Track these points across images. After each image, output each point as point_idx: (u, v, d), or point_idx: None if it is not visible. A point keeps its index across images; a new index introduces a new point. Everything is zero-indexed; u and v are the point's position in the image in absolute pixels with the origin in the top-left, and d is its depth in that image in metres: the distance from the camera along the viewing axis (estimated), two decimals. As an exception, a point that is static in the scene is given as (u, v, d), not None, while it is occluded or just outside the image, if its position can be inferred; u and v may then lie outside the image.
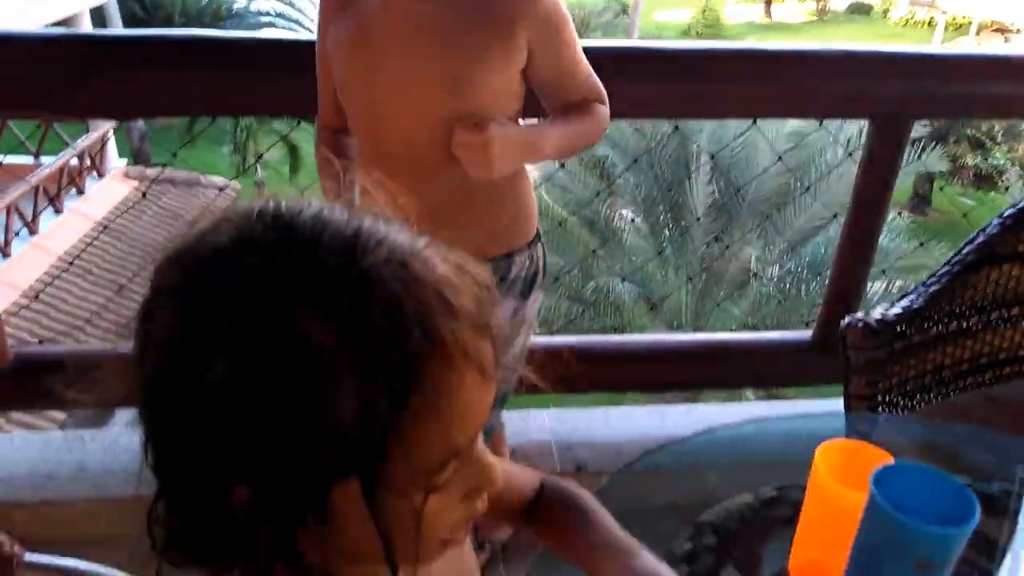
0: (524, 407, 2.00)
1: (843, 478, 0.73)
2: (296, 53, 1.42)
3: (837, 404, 1.43)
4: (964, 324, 1.51)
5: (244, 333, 0.42)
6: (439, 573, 0.61)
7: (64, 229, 6.73)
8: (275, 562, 0.47)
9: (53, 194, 6.73)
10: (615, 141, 7.47)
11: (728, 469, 0.96)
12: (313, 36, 1.32)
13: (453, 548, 0.55)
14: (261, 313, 0.42)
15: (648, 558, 0.64)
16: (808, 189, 5.87)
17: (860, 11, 24.67)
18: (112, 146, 8.08)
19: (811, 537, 0.79)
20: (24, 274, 6.08)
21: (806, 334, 1.98)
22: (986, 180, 11.51)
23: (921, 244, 6.90)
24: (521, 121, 1.28)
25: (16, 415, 4.02)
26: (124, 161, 8.34)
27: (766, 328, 6.03)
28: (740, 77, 1.66)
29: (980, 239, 1.49)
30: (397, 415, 0.43)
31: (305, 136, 8.68)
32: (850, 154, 5.04)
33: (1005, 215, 1.50)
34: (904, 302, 1.45)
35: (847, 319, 1.41)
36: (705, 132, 6.90)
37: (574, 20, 1.23)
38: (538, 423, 1.94)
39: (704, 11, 22.28)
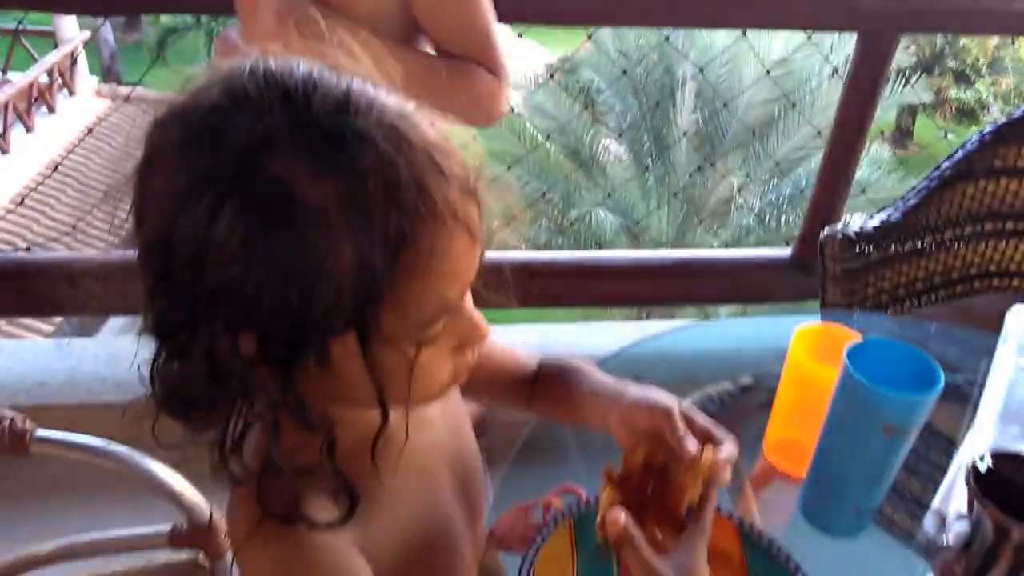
0: (510, 322, 2.04)
1: (817, 359, 0.78)
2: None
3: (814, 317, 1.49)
4: (939, 238, 1.55)
5: (245, 186, 0.44)
6: (431, 420, 0.65)
7: (36, 147, 6.56)
8: (279, 406, 0.50)
9: (23, 111, 6.54)
10: (599, 67, 7.36)
11: (706, 361, 1.01)
12: None
13: (443, 398, 0.59)
14: (259, 168, 0.44)
15: (636, 389, 0.66)
16: (794, 106, 5.88)
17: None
18: (83, 63, 7.81)
19: (786, 416, 0.84)
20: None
21: (786, 252, 2.03)
22: (968, 115, 11.52)
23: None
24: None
25: (5, 327, 4.02)
26: (95, 79, 8.08)
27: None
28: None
29: (959, 155, 1.52)
30: (390, 269, 0.46)
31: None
32: (835, 70, 5.00)
33: (985, 132, 1.54)
34: (882, 215, 1.50)
35: (826, 230, 1.45)
36: (690, 59, 6.80)
37: None
38: (522, 337, 1.98)
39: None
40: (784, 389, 0.83)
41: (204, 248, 0.44)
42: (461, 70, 1.09)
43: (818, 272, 1.49)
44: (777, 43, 6.64)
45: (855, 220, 1.48)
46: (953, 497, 0.78)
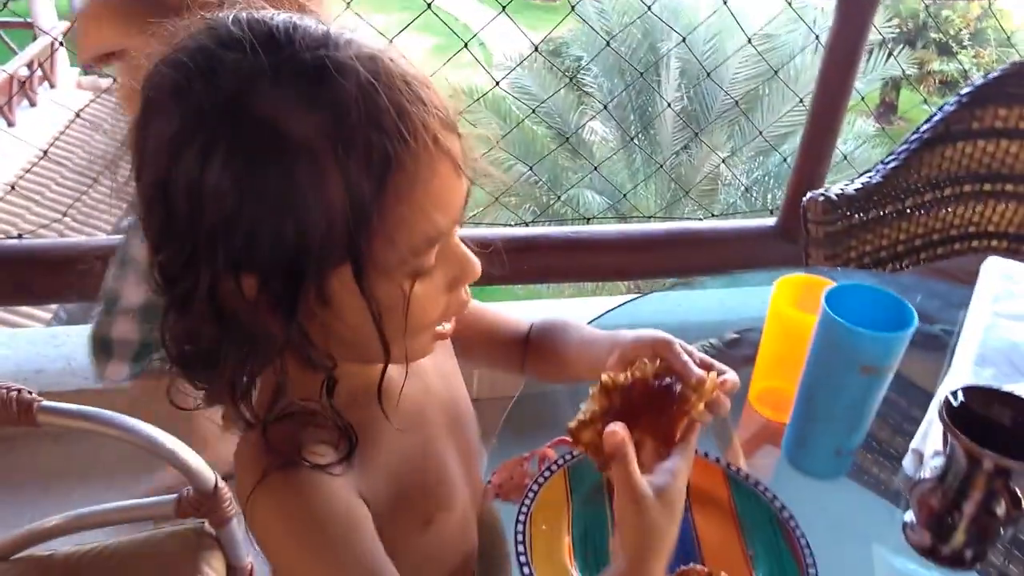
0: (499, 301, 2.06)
1: (799, 308, 0.81)
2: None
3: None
4: (919, 200, 1.59)
5: (235, 126, 0.47)
6: (425, 370, 0.67)
7: (18, 142, 6.50)
8: (285, 347, 0.52)
9: (3, 105, 6.47)
10: (587, 46, 7.35)
11: (692, 317, 1.04)
12: None
13: (440, 340, 0.61)
14: (247, 107, 0.47)
15: (631, 331, 0.68)
16: (776, 73, 5.92)
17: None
18: (63, 55, 7.72)
19: (769, 365, 0.87)
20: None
21: (771, 221, 2.06)
22: (952, 87, 11.56)
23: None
24: None
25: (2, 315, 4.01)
26: (76, 71, 8.00)
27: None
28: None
29: (938, 116, 1.55)
30: (378, 195, 0.48)
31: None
32: (817, 38, 5.02)
33: (963, 93, 1.57)
34: (863, 178, 1.53)
35: (809, 194, 1.48)
36: (675, 36, 6.80)
37: None
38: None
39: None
40: (767, 338, 0.85)
41: (199, 188, 0.47)
42: None
43: (802, 237, 1.52)
44: (760, 20, 6.65)
45: (837, 184, 1.51)
46: (930, 437, 0.82)
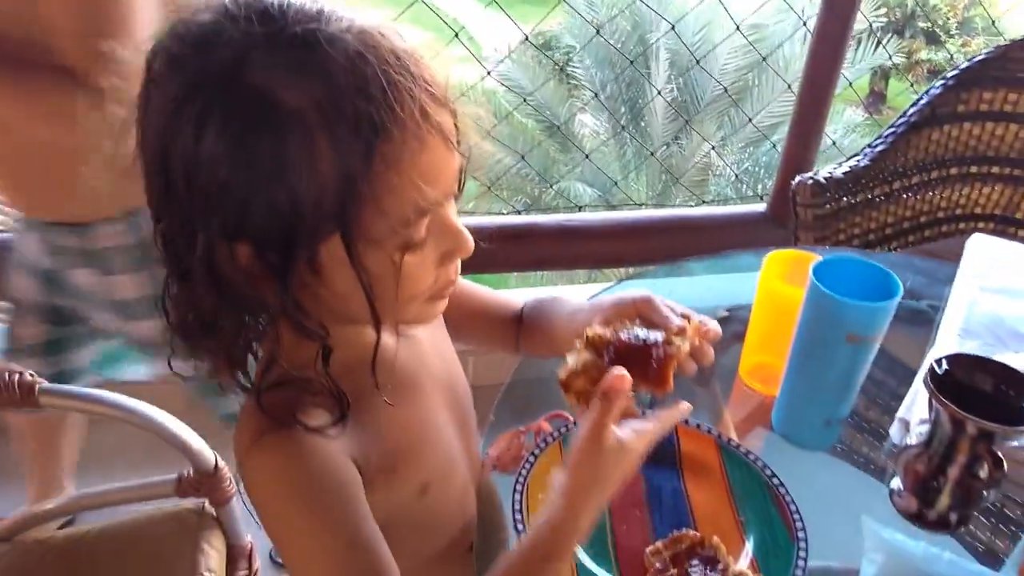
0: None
1: (788, 282, 0.82)
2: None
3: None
4: (907, 183, 1.61)
5: (228, 96, 0.48)
6: (419, 341, 0.69)
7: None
8: (279, 315, 0.54)
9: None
10: (576, 37, 7.35)
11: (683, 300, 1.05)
12: None
13: (434, 314, 0.62)
14: (240, 78, 0.48)
15: (610, 295, 0.70)
16: (764, 59, 5.96)
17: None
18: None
19: (759, 339, 0.89)
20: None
21: (761, 207, 2.08)
22: (940, 75, 11.60)
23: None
24: None
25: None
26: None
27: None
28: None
29: (924, 100, 1.57)
30: (367, 163, 0.49)
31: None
32: (804, 24, 5.05)
33: (948, 77, 1.59)
34: (852, 161, 1.55)
35: (798, 178, 1.50)
36: (663, 27, 6.81)
37: None
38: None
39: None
40: (757, 314, 0.87)
41: (195, 156, 0.49)
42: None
43: (791, 221, 1.54)
44: (749, 9, 6.67)
45: (825, 168, 1.53)
46: (916, 406, 0.84)
